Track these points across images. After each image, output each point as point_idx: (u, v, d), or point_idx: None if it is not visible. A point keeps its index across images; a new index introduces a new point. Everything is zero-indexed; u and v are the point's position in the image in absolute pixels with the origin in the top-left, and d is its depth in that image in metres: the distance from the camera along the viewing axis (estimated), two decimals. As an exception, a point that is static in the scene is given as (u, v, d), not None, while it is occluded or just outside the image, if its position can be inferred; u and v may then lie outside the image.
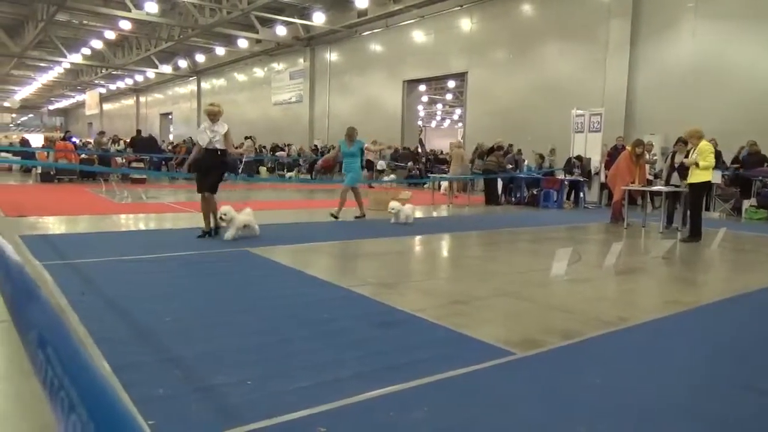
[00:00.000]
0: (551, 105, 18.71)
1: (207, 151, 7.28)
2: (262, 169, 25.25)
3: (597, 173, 15.68)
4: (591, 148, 15.94)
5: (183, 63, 40.00)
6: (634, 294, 5.35)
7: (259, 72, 36.40)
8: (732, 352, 3.61)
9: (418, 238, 8.55)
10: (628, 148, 11.13)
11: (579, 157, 15.55)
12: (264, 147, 28.51)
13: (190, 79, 43.44)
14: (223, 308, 4.20)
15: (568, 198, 15.19)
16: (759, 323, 4.39)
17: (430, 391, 2.79)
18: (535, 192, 15.27)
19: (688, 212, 9.08)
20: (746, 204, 13.01)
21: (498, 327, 3.99)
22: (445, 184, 16.69)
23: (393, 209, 9.65)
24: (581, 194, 15.19)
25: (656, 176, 13.60)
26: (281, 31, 28.32)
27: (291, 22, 27.66)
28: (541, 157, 16.49)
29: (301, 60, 31.94)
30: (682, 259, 7.13)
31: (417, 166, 22.86)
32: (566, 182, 14.97)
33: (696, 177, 8.57)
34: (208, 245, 6.85)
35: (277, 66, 34.38)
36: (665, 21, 16.21)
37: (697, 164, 8.41)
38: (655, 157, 14.50)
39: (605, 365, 3.27)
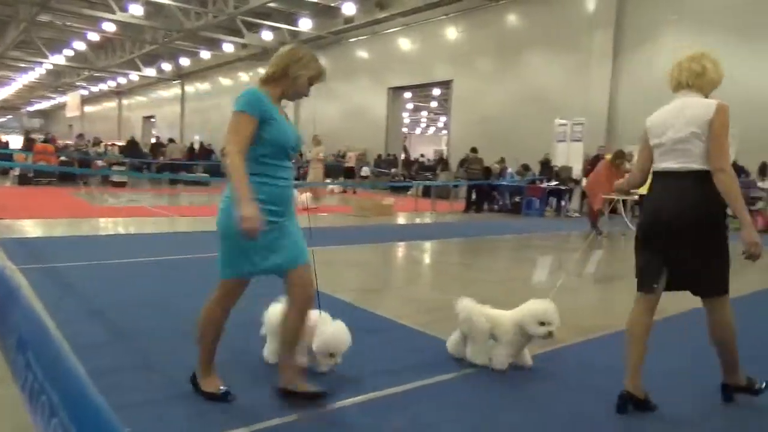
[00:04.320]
0: (535, 114, 18.91)
1: None
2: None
3: (578, 182, 15.87)
4: (573, 157, 16.13)
5: (167, 66, 39.70)
6: (614, 302, 5.43)
7: (244, 77, 36.26)
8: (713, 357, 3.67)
9: (399, 244, 8.57)
10: (607, 156, 11.26)
11: (568, 168, 15.76)
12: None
13: (174, 82, 43.14)
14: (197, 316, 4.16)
15: (549, 206, 15.34)
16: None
17: (411, 397, 2.80)
18: (517, 199, 15.40)
19: None
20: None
21: (479, 334, 4.02)
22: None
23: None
24: (563, 202, 15.35)
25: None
26: (267, 36, 28.27)
27: (277, 28, 27.65)
28: (525, 167, 16.67)
29: (287, 65, 31.90)
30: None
31: (401, 173, 22.94)
32: (548, 190, 15.13)
33: None
34: (189, 249, 6.79)
35: (263, 71, 34.25)
36: (647, 33, 16.50)
37: None
38: (635, 167, 14.75)
39: (583, 371, 3.31)
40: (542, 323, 3.09)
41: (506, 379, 3.15)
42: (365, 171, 23.92)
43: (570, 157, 16.20)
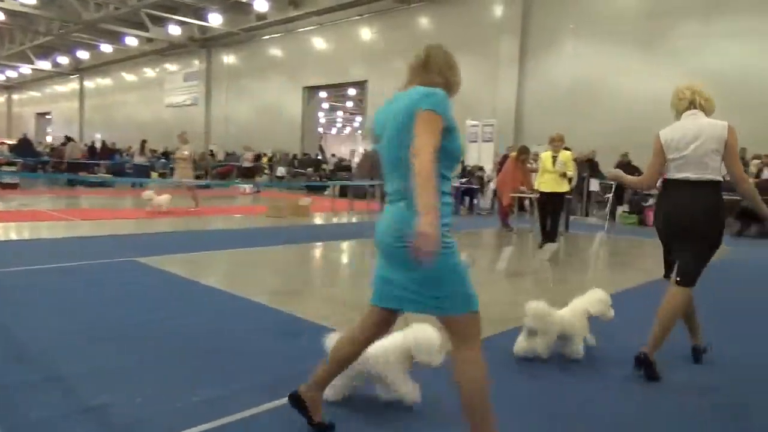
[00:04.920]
0: (447, 115, 19.38)
1: None
2: (154, 175, 23.95)
3: (489, 181, 16.46)
4: (484, 157, 16.71)
5: (63, 59, 37.08)
6: (524, 296, 5.67)
7: (150, 72, 34.59)
8: (617, 343, 3.92)
9: (317, 244, 8.50)
10: (513, 155, 11.77)
11: (481, 168, 16.27)
12: (154, 150, 27.07)
13: (72, 77, 40.40)
14: (111, 323, 3.92)
15: (462, 204, 15.80)
16: (636, 315, 4.80)
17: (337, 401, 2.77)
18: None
19: (549, 219, 8.60)
20: (620, 210, 14.24)
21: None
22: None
23: (146, 197, 10.88)
24: (475, 201, 15.86)
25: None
26: (174, 30, 27.13)
27: (185, 22, 26.59)
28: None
29: (197, 61, 30.79)
30: (565, 262, 7.66)
31: (317, 173, 22.78)
32: (461, 189, 15.57)
33: (562, 186, 8.43)
34: (92, 254, 6.37)
35: (171, 67, 32.88)
36: (549, 40, 17.42)
37: (565, 174, 8.35)
38: (541, 167, 15.51)
39: (506, 362, 3.42)
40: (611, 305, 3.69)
41: (435, 374, 3.20)
42: (281, 171, 23.54)
43: (481, 156, 16.77)
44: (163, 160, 26.12)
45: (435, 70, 2.29)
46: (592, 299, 3.70)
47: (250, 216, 10.03)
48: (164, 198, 11.27)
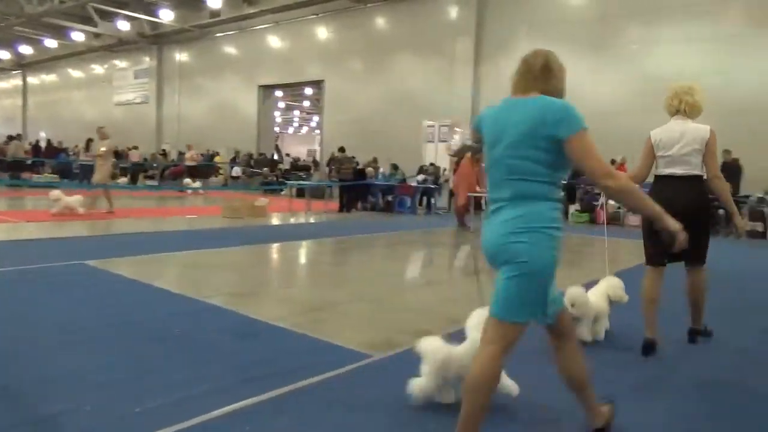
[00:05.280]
0: (405, 115, 19.54)
1: None
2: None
3: (446, 181, 16.65)
4: (441, 157, 16.89)
5: (5, 54, 35.43)
6: (482, 293, 5.76)
7: (98, 69, 33.44)
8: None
9: (274, 245, 8.42)
10: (468, 154, 11.94)
11: (433, 165, 16.42)
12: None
13: (14, 72, 38.66)
14: (60, 328, 3.78)
15: (420, 204, 15.93)
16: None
17: (291, 400, 2.76)
18: (390, 198, 15.81)
19: None
20: (572, 209, 14.64)
21: (356, 331, 4.07)
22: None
23: (53, 197, 10.46)
24: (432, 200, 16.02)
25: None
26: (124, 26, 26.31)
27: (135, 18, 25.83)
28: (394, 167, 17.18)
29: (147, 58, 29.95)
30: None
31: (273, 173, 22.53)
32: (419, 189, 15.70)
33: None
34: (37, 257, 6.12)
35: (120, 63, 31.89)
36: (503, 42, 17.74)
37: None
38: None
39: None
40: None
41: (385, 372, 3.22)
42: (236, 171, 23.18)
43: (438, 157, 16.94)
44: (113, 160, 25.29)
45: (558, 76, 2.31)
46: (611, 284, 4.04)
47: (204, 217, 9.81)
48: (75, 199, 10.66)
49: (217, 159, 25.71)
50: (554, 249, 2.12)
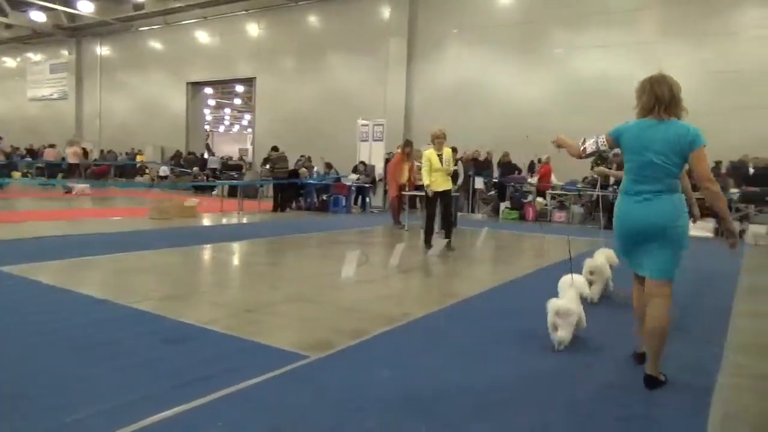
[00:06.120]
0: (339, 114, 19.51)
1: None
2: (16, 174, 21.78)
3: (381, 179, 16.74)
4: (375, 156, 16.96)
5: None
6: (416, 290, 5.85)
7: (10, 62, 31.35)
8: (500, 334, 4.15)
9: (205, 247, 8.18)
10: (398, 150, 12.11)
11: (363, 163, 16.45)
12: (17, 148, 24.66)
13: None
14: (-33, 340, 3.51)
15: (355, 203, 15.95)
16: (518, 304, 5.13)
17: (224, 405, 2.69)
18: (324, 198, 15.73)
19: (443, 216, 8.65)
20: (503, 206, 15.10)
21: (291, 332, 4.02)
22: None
23: None
24: (367, 199, 16.06)
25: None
26: (38, 16, 24.78)
27: (51, 8, 24.38)
28: (329, 165, 17.10)
29: (65, 52, 28.36)
30: (453, 256, 7.98)
31: (204, 172, 21.89)
32: (353, 188, 15.71)
33: (450, 183, 8.45)
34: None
35: (34, 56, 30.03)
36: (435, 43, 18.06)
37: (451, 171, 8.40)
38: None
39: (393, 358, 3.50)
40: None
41: (320, 373, 3.20)
42: (163, 170, 22.37)
43: (372, 155, 17.00)
44: (28, 159, 23.90)
45: (681, 105, 3.13)
46: (608, 254, 5.09)
47: (128, 218, 9.39)
48: None
49: (139, 158, 24.73)
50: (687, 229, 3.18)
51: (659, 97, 3.08)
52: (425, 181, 8.16)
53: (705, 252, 8.50)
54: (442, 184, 8.17)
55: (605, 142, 3.34)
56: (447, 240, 8.18)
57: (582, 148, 3.41)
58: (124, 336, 3.73)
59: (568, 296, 3.91)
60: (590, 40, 15.79)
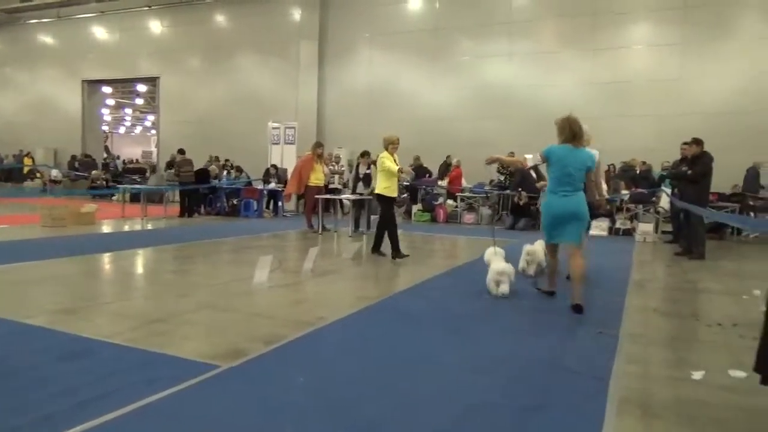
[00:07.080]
0: (249, 116, 19.10)
1: None
2: None
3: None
4: (287, 159, 16.74)
5: None
6: (331, 294, 5.83)
7: None
8: (420, 330, 4.22)
9: (106, 255, 7.71)
10: (309, 151, 12.02)
11: (275, 166, 16.19)
12: None
13: None
14: None
15: (267, 207, 15.65)
16: (433, 303, 5.25)
17: (131, 421, 2.55)
18: (235, 202, 15.31)
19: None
20: (415, 209, 15.39)
21: (201, 341, 3.88)
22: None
23: None
24: (279, 203, 15.82)
25: (344, 185, 15.03)
26: None
27: None
28: (239, 169, 16.69)
29: (-60, 44, 25.70)
30: (367, 260, 8.04)
31: (103, 176, 20.62)
32: (265, 192, 15.41)
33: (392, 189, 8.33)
34: None
35: None
36: (346, 47, 18.13)
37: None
38: (342, 168, 16.02)
39: (308, 364, 3.47)
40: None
41: (234, 382, 3.11)
42: (55, 174, 20.85)
43: (284, 158, 16.78)
44: None
45: (584, 137, 5.17)
46: (542, 243, 6.28)
47: (17, 226, 8.66)
48: None
49: (26, 161, 22.95)
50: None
51: (575, 133, 4.96)
52: (385, 185, 8.05)
53: (600, 250, 9.11)
54: (396, 189, 8.17)
55: (540, 158, 5.06)
56: (396, 250, 7.97)
57: (525, 161, 5.13)
58: (15, 354, 3.44)
59: (500, 260, 5.52)
60: (495, 49, 16.50)
